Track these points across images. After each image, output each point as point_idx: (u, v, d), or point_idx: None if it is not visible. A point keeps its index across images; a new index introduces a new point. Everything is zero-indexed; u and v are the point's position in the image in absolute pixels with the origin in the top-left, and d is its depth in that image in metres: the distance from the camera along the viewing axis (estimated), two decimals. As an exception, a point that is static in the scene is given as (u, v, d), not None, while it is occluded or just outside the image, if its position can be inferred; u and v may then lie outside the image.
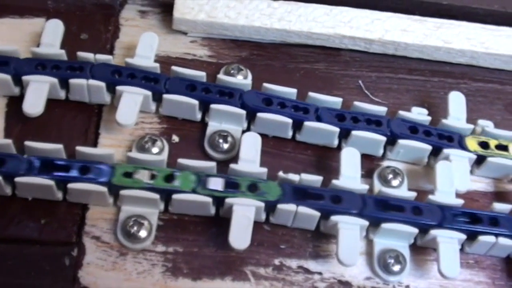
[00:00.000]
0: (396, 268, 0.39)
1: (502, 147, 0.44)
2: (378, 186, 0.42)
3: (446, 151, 0.43)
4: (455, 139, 0.44)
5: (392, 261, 0.39)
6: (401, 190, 0.42)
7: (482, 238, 0.40)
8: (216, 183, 0.38)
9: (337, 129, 0.42)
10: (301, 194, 0.39)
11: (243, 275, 0.39)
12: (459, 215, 0.39)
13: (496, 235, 0.39)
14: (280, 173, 0.40)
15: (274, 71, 0.47)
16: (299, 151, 0.43)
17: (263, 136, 0.43)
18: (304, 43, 0.47)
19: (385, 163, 0.44)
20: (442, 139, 0.43)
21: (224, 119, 0.43)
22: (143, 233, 0.39)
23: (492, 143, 0.44)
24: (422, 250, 0.41)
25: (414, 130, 0.43)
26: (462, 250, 0.41)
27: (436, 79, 0.48)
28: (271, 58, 0.47)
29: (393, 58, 0.48)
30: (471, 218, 0.40)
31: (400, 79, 0.48)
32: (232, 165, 0.40)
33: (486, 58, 0.48)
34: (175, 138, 0.43)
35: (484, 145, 0.44)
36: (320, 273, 0.39)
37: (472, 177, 0.44)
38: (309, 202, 0.38)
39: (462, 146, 0.43)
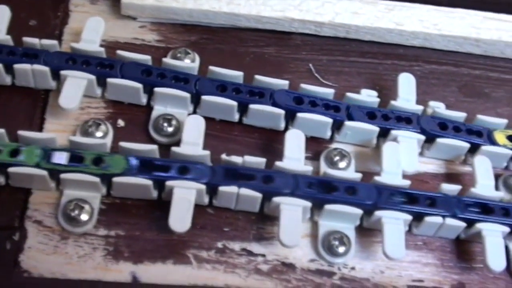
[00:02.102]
0: (341, 249, 0.39)
1: None
2: (324, 168, 0.41)
3: (394, 132, 0.42)
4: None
5: (337, 242, 0.39)
6: (347, 172, 0.41)
7: (428, 219, 0.39)
8: (60, 157, 0.38)
9: (282, 112, 0.41)
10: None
11: (185, 258, 0.38)
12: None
13: (429, 214, 0.39)
14: (223, 156, 0.39)
15: (223, 55, 0.46)
16: (246, 135, 0.43)
17: (211, 120, 0.42)
18: (254, 27, 0.47)
19: (334, 146, 0.43)
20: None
21: (169, 103, 0.42)
22: (84, 217, 0.38)
23: None
24: (369, 232, 0.40)
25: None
26: (410, 231, 0.40)
27: (389, 61, 0.48)
28: (220, 42, 0.47)
29: (345, 41, 0.48)
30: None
31: (352, 62, 0.48)
32: (174, 148, 0.39)
33: (439, 40, 0.48)
34: (121, 123, 0.42)
35: None
36: (263, 255, 0.39)
37: (423, 158, 0.44)
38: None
39: (491, 140, 0.44)
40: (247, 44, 0.47)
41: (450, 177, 0.44)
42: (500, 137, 0.44)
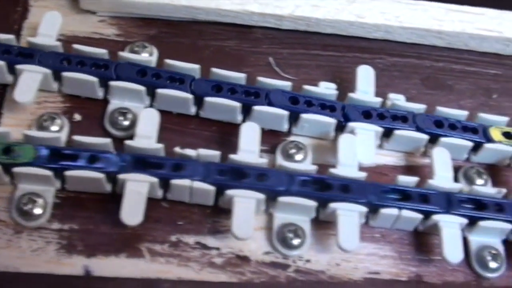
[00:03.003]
0: (296, 242, 0.39)
1: None
2: (279, 161, 0.41)
3: (351, 125, 0.42)
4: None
5: (291, 235, 0.39)
6: (304, 164, 0.41)
7: (383, 211, 0.39)
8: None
9: (238, 104, 0.41)
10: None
11: (138, 251, 0.38)
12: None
13: (382, 206, 0.39)
14: (176, 149, 0.39)
15: (182, 48, 0.46)
16: (204, 128, 0.43)
17: (168, 113, 0.42)
18: (214, 21, 0.47)
19: (292, 139, 0.43)
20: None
21: (126, 97, 0.42)
22: (37, 211, 0.38)
23: None
24: (325, 225, 0.40)
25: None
26: (367, 223, 0.40)
27: (350, 54, 0.48)
28: (180, 35, 0.47)
29: (307, 34, 0.48)
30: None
31: (313, 55, 0.47)
32: (127, 142, 0.39)
33: (401, 33, 0.47)
34: (77, 117, 0.42)
35: (508, 135, 0.44)
36: (217, 249, 0.39)
37: (382, 151, 0.44)
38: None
39: (487, 137, 0.44)
40: (207, 37, 0.47)
41: (410, 169, 0.43)
42: (495, 133, 0.44)
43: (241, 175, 0.38)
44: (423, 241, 0.41)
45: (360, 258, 0.40)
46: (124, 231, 0.38)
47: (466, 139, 0.43)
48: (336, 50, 0.48)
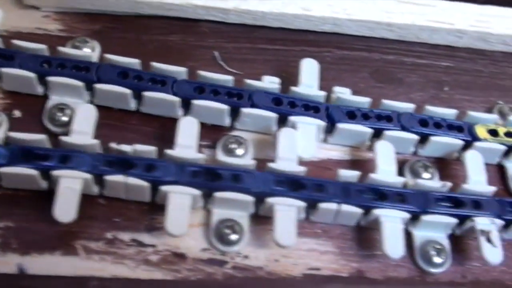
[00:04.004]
0: (233, 238, 0.38)
1: (511, 134, 0.44)
2: (220, 156, 0.40)
3: (292, 118, 0.41)
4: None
5: (229, 231, 0.38)
6: (244, 159, 0.40)
7: (322, 205, 0.38)
8: None
9: (177, 99, 0.41)
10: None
11: (73, 249, 0.37)
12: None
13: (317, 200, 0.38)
14: (112, 144, 0.38)
15: (127, 43, 0.46)
16: (145, 124, 0.42)
17: (108, 109, 0.41)
18: (160, 15, 0.46)
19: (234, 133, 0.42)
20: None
21: (65, 92, 0.41)
22: (-28, 209, 0.37)
23: (501, 130, 0.43)
24: (265, 220, 0.39)
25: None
26: (308, 219, 0.40)
27: (298, 48, 0.47)
28: (124, 30, 0.46)
29: (253, 28, 0.47)
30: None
31: (259, 49, 0.47)
32: (64, 138, 0.38)
33: (350, 25, 0.47)
34: (17, 113, 0.42)
35: (493, 132, 0.44)
36: (154, 246, 0.38)
37: (326, 145, 0.43)
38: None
39: (473, 135, 0.43)
40: (151, 32, 0.46)
41: (355, 164, 0.43)
42: (481, 131, 0.43)
43: (129, 166, 0.37)
44: (366, 237, 0.40)
45: (300, 254, 0.39)
46: (59, 229, 0.38)
47: (453, 138, 0.43)
48: (283, 44, 0.47)
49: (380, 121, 0.42)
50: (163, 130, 0.42)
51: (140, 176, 0.37)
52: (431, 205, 0.39)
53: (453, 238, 0.41)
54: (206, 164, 0.39)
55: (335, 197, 0.38)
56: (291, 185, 0.38)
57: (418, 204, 0.39)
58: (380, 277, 0.39)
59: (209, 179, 0.38)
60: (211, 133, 0.42)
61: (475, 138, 0.43)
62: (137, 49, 0.45)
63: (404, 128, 0.42)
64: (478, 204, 0.39)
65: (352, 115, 0.42)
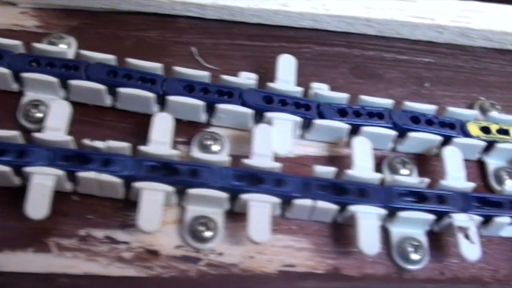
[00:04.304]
0: (207, 235, 0.38)
1: (504, 131, 0.44)
2: (195, 153, 0.40)
3: (269, 114, 0.41)
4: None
5: (203, 228, 0.38)
6: (220, 156, 0.40)
7: (296, 202, 0.38)
8: None
9: (151, 95, 0.40)
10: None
11: (46, 246, 0.37)
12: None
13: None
14: (85, 141, 0.38)
15: (104, 39, 0.45)
16: (120, 120, 0.42)
17: (83, 106, 0.41)
18: (137, 11, 0.46)
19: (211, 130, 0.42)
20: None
21: (40, 89, 0.41)
22: None
23: (493, 127, 0.43)
24: (241, 217, 0.39)
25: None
26: (283, 215, 0.39)
27: (276, 44, 0.47)
28: (101, 26, 0.46)
29: (232, 24, 0.47)
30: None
31: (238, 45, 0.46)
32: (36, 134, 0.38)
33: (329, 21, 0.46)
34: (-9, 110, 0.41)
35: (486, 130, 0.43)
36: (127, 243, 0.38)
37: (304, 141, 0.43)
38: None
39: (465, 132, 0.43)
40: (129, 28, 0.46)
41: (332, 160, 0.42)
42: (473, 128, 0.43)
43: (86, 161, 0.37)
44: (343, 233, 0.40)
45: (275, 251, 0.39)
46: (32, 226, 0.37)
47: (443, 135, 0.43)
48: (262, 40, 0.47)
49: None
50: (139, 126, 0.42)
51: (96, 170, 0.36)
52: (394, 200, 0.39)
53: (431, 234, 0.40)
54: (163, 159, 0.38)
55: (295, 191, 0.38)
56: (251, 180, 0.38)
57: (379, 199, 0.39)
58: (357, 274, 0.39)
59: (166, 174, 0.37)
60: (187, 130, 0.42)
61: (468, 135, 0.43)
62: (114, 45, 0.45)
63: (395, 126, 0.42)
64: (442, 199, 0.39)
65: (343, 113, 0.42)
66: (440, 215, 0.39)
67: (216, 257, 0.38)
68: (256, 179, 0.38)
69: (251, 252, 0.38)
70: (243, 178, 0.38)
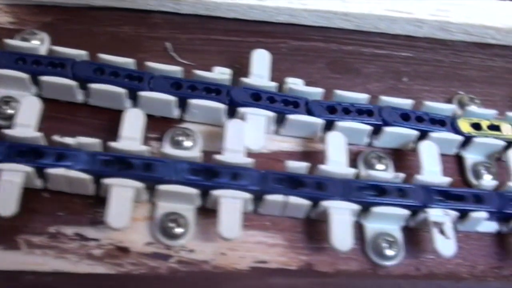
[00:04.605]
0: (178, 231, 0.37)
1: (494, 127, 0.43)
2: (167, 149, 0.40)
3: (242, 110, 0.40)
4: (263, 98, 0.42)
5: (173, 224, 0.37)
6: (192, 152, 0.40)
7: (267, 197, 0.38)
8: None
9: (123, 91, 0.40)
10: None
11: (15, 243, 0.37)
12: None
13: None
14: (55, 137, 0.38)
15: (78, 35, 0.45)
16: (93, 116, 0.41)
17: (55, 102, 0.41)
18: (111, 6, 0.46)
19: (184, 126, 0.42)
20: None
21: (11, 85, 0.41)
22: None
23: (484, 123, 0.43)
24: (213, 213, 0.38)
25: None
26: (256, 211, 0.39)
27: (253, 39, 0.46)
28: (75, 22, 0.46)
29: (208, 19, 0.47)
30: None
31: (213, 40, 0.46)
32: (6, 131, 0.38)
33: (306, 16, 0.46)
34: (-39, 107, 0.41)
35: (477, 126, 0.43)
36: (97, 240, 0.37)
37: (278, 137, 0.42)
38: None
39: (456, 129, 0.43)
40: (103, 23, 0.46)
41: (307, 155, 0.42)
42: (464, 125, 0.43)
43: (39, 155, 0.37)
44: (317, 229, 0.40)
45: (247, 247, 0.38)
46: (1, 223, 0.37)
47: (437, 131, 0.42)
48: (238, 35, 0.46)
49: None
50: (112, 122, 0.41)
51: (51, 165, 0.36)
52: (353, 194, 0.38)
53: (407, 230, 0.40)
54: (118, 153, 0.38)
55: (251, 185, 0.37)
56: (207, 174, 0.37)
57: (338, 192, 0.38)
58: (330, 270, 0.39)
59: (121, 168, 0.37)
60: (160, 126, 0.41)
61: (458, 132, 0.43)
62: (88, 41, 0.44)
63: (385, 123, 0.42)
64: (403, 192, 0.38)
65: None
66: (415, 211, 0.39)
67: (187, 254, 0.38)
68: (211, 173, 0.37)
69: (223, 249, 0.38)
70: (199, 173, 0.37)
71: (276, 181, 0.38)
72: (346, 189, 0.38)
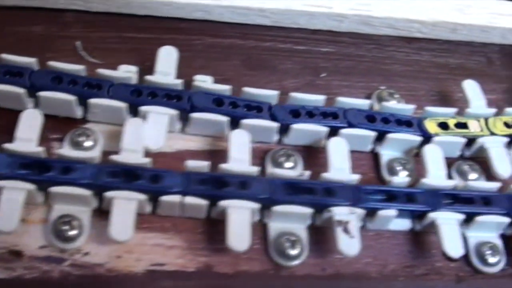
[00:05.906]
0: (72, 234, 0.37)
1: (462, 125, 0.43)
2: (66, 150, 0.39)
3: (143, 108, 0.40)
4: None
5: (67, 227, 0.37)
6: (91, 152, 0.39)
7: (163, 198, 0.37)
8: None
9: (21, 90, 0.39)
10: None
11: None
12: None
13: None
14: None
15: (-15, 37, 0.44)
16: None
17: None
18: (22, 5, 0.45)
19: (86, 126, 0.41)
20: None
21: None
22: None
23: (451, 122, 0.42)
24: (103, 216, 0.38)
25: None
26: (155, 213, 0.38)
27: (167, 36, 0.46)
28: (-15, 23, 0.45)
29: (121, 16, 0.46)
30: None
31: (126, 38, 0.45)
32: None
33: (221, 12, 0.45)
34: None
35: (444, 125, 0.43)
36: (-10, 244, 0.37)
37: (185, 136, 0.42)
38: None
39: (423, 130, 0.42)
40: (13, 23, 0.45)
41: (213, 154, 0.41)
42: (431, 125, 0.42)
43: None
44: (218, 229, 0.39)
45: (144, 250, 0.38)
46: None
47: (405, 133, 0.42)
48: (151, 32, 0.46)
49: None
50: (12, 123, 0.40)
51: None
52: (278, 194, 0.38)
53: (315, 229, 0.39)
54: (35, 156, 0.37)
55: (175, 187, 0.36)
56: (127, 176, 0.37)
57: (262, 191, 0.37)
58: (230, 271, 0.38)
59: (37, 173, 0.36)
60: (63, 126, 0.41)
61: (426, 134, 0.42)
62: (-3, 42, 0.44)
63: (351, 125, 0.41)
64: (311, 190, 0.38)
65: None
66: (320, 209, 0.38)
67: (82, 257, 0.37)
68: (131, 176, 0.37)
69: (119, 252, 0.37)
70: (119, 175, 0.37)
71: (201, 182, 0.37)
72: (273, 188, 0.38)
